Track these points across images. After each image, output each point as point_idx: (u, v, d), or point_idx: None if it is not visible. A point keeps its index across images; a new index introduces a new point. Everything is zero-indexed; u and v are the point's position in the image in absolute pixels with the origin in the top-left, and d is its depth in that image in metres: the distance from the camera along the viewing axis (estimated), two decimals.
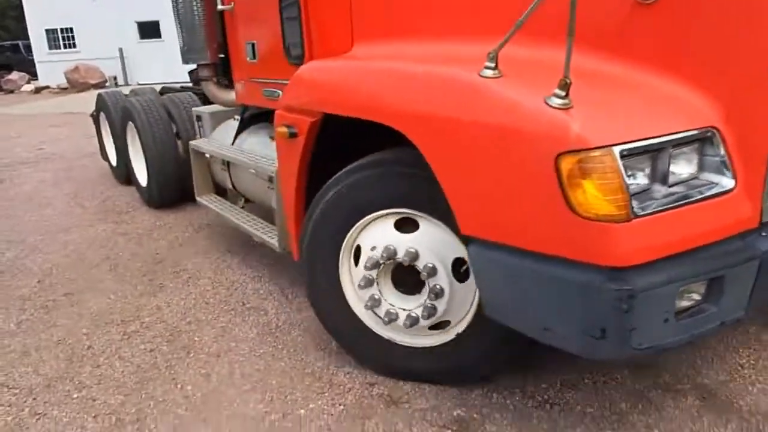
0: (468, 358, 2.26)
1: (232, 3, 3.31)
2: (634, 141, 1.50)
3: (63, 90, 21.90)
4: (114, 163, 6.21)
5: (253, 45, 3.18)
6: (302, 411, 2.30)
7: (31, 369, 2.75)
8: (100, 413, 2.37)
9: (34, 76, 25.06)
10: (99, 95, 6.12)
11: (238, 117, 3.80)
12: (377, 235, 2.26)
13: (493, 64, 1.68)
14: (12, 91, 23.55)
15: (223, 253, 4.06)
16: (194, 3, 3.58)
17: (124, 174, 5.93)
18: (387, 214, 2.23)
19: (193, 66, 5.26)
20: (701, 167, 1.65)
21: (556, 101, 1.50)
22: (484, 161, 1.67)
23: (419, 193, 2.08)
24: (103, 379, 2.61)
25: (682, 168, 1.62)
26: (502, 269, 1.73)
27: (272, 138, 3.28)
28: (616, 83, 1.74)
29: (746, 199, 1.63)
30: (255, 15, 3.15)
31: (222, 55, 3.74)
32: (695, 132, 1.60)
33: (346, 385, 2.45)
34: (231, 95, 3.75)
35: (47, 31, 24.69)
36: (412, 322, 2.21)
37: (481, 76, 1.69)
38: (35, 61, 25.28)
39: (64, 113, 14.49)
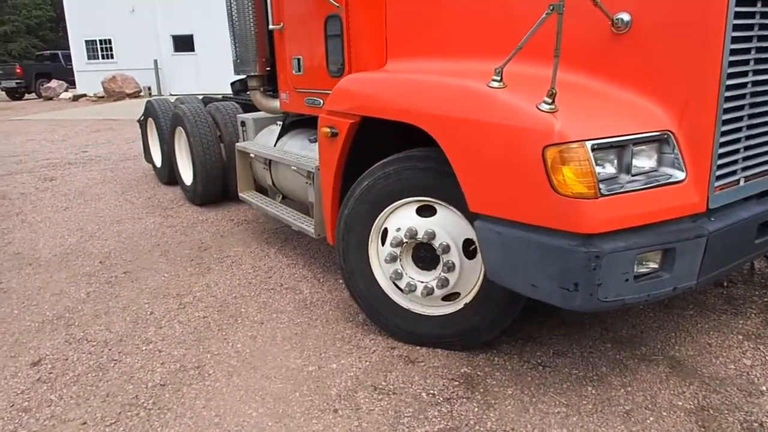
0: (473, 325, 2.70)
1: (282, 23, 3.84)
2: (601, 138, 1.96)
3: (100, 98, 22.84)
4: (158, 164, 6.79)
5: (299, 60, 3.70)
6: (334, 365, 2.76)
7: (103, 327, 3.25)
8: (166, 361, 2.86)
9: (71, 84, 26.10)
10: (149, 102, 6.70)
11: (279, 123, 4.32)
12: (402, 219, 2.73)
13: (498, 78, 2.15)
14: (51, 98, 24.61)
15: (261, 244, 4.55)
16: (248, 22, 4.11)
17: (167, 174, 6.51)
18: (410, 202, 2.70)
19: (235, 78, 5.84)
20: (660, 162, 2.10)
21: (545, 106, 1.97)
22: (489, 152, 2.13)
23: (439, 185, 2.54)
24: (166, 337, 3.10)
25: (644, 162, 2.07)
26: (501, 238, 2.17)
27: (311, 141, 3.78)
28: (592, 94, 2.20)
29: (694, 189, 2.07)
30: (302, 34, 3.65)
31: (268, 68, 4.26)
32: (654, 133, 2.05)
33: (371, 348, 2.90)
34: (275, 103, 4.26)
35: (87, 42, 25.78)
36: (429, 291, 2.67)
37: (489, 86, 2.16)
38: (74, 70, 26.34)
39: (104, 119, 15.27)
